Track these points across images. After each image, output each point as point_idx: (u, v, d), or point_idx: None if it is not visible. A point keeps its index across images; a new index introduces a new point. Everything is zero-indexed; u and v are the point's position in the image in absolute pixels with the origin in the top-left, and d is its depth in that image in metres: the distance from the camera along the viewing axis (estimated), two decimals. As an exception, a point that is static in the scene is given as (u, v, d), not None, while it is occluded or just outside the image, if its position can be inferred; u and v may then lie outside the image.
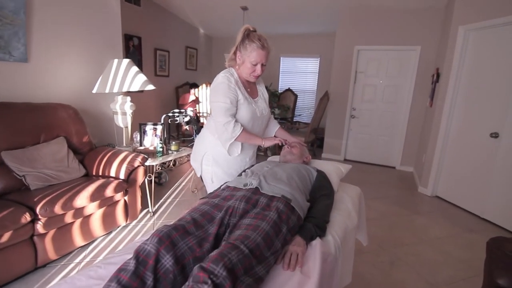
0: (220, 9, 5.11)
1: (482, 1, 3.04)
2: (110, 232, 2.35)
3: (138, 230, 2.43)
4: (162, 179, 3.54)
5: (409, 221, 2.88)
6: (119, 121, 2.78)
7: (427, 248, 2.37)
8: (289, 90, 6.30)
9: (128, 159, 2.36)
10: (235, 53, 1.50)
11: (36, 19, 2.36)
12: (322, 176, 1.47)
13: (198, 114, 5.58)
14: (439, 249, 2.37)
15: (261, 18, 5.28)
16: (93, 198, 2.01)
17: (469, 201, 3.17)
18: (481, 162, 3.04)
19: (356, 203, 1.57)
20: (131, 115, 2.80)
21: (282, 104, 5.89)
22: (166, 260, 0.82)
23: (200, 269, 0.73)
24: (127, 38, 4.68)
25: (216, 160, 1.62)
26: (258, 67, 1.47)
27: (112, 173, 2.33)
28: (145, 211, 2.74)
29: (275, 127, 1.85)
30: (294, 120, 6.27)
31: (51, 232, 1.85)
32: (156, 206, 2.89)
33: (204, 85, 5.36)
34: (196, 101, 5.59)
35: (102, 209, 2.16)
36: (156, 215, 2.72)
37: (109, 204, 2.21)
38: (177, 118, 3.36)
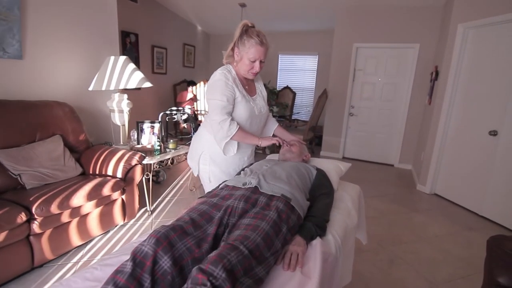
0: (218, 6, 5.07)
1: (482, -1, 3.04)
2: (108, 232, 2.33)
3: (136, 229, 2.41)
4: (160, 178, 3.51)
5: (408, 219, 2.88)
6: (116, 119, 2.75)
7: (426, 246, 2.37)
8: (287, 87, 6.28)
9: (125, 158, 2.34)
10: (232, 49, 1.46)
11: (30, 15, 2.32)
12: (321, 175, 1.46)
13: (196, 112, 5.55)
14: (438, 247, 2.37)
15: (259, 15, 5.24)
16: (90, 197, 1.99)
17: (468, 198, 3.17)
18: (480, 160, 3.04)
19: (356, 202, 1.56)
20: (128, 113, 2.77)
21: (280, 102, 5.88)
22: (164, 262, 0.80)
23: (198, 271, 0.71)
24: (124, 35, 4.63)
25: (214, 159, 1.59)
26: (257, 64, 1.44)
27: (109, 172, 2.31)
28: (143, 210, 2.72)
29: (273, 125, 1.82)
30: (293, 118, 6.25)
31: (48, 232, 1.83)
32: (154, 205, 2.87)
33: (202, 83, 5.33)
34: (194, 98, 5.56)
35: (99, 208, 2.14)
36: (154, 214, 2.70)
37: (106, 203, 2.18)
38: (175, 116, 3.33)
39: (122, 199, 2.34)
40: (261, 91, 1.69)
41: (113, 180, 2.18)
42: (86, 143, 2.57)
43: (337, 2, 4.47)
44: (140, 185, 2.58)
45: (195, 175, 1.72)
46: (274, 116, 4.77)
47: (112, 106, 2.72)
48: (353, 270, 1.54)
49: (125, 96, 2.75)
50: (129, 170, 2.33)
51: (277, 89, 6.34)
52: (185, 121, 3.44)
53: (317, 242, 1.03)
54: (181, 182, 3.55)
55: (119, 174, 2.28)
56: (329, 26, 5.39)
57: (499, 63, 2.88)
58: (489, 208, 2.94)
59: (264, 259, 0.86)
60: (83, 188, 1.99)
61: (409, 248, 2.33)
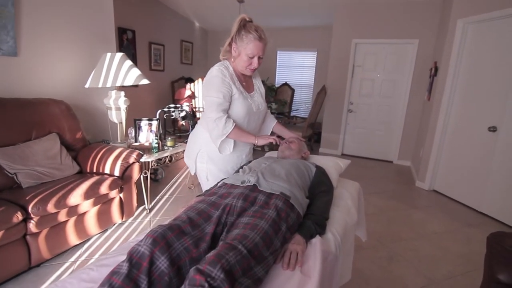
0: (216, 2, 5.02)
1: (481, -6, 3.01)
2: (106, 230, 2.31)
3: (135, 228, 2.40)
4: (158, 176, 3.50)
5: (407, 215, 2.88)
6: (113, 116, 2.72)
7: (425, 243, 2.37)
8: (286, 84, 6.25)
9: (123, 156, 2.32)
10: (230, 44, 1.43)
11: (25, 12, 2.28)
12: (321, 172, 1.44)
13: (194, 109, 5.52)
14: (437, 244, 2.37)
15: (257, 11, 5.20)
16: (87, 195, 1.97)
17: (467, 195, 3.17)
18: (479, 156, 3.03)
19: (356, 199, 1.55)
20: (125, 110, 2.74)
21: (279, 98, 5.85)
22: (161, 262, 0.78)
23: (196, 272, 0.70)
24: (121, 31, 4.59)
25: (211, 157, 1.57)
26: (255, 59, 1.41)
27: (107, 170, 2.29)
28: (141, 208, 2.70)
29: (272, 122, 1.80)
30: (291, 115, 6.23)
31: (45, 231, 1.81)
32: (153, 203, 2.86)
33: (200, 80, 5.30)
34: (192, 96, 5.53)
35: (96, 207, 2.12)
36: (152, 212, 2.68)
37: (104, 202, 2.17)
38: (173, 113, 3.31)
39: (120, 198, 2.32)
40: (259, 87, 1.66)
41: (111, 179, 2.16)
42: (83, 141, 2.54)
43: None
44: (138, 183, 2.56)
45: (192, 173, 1.69)
46: (272, 113, 4.76)
47: (109, 103, 2.69)
48: (353, 267, 1.53)
49: (122, 93, 2.72)
50: (126, 168, 2.31)
51: (276, 85, 6.31)
52: (183, 118, 3.42)
53: (316, 240, 1.02)
54: (179, 180, 3.53)
55: (117, 173, 2.26)
56: (328, 22, 5.36)
57: (499, 58, 2.86)
58: (488, 204, 2.94)
59: (263, 258, 0.84)
60: (80, 186, 1.97)
61: (409, 245, 2.32)
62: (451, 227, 2.68)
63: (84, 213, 2.04)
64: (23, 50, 2.31)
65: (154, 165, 2.64)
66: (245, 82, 1.56)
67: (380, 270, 2.00)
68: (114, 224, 2.38)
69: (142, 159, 2.47)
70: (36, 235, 1.77)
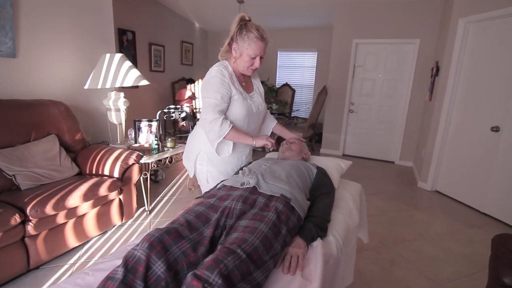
0: (216, 2, 5.01)
1: (483, -8, 2.99)
2: (105, 232, 2.30)
3: (134, 229, 2.38)
4: (159, 177, 3.48)
5: (409, 216, 2.85)
6: (113, 117, 2.71)
7: (427, 244, 2.34)
8: (286, 85, 6.23)
9: (122, 157, 2.30)
10: (229, 44, 1.40)
11: (23, 13, 2.27)
12: (322, 173, 1.42)
13: (194, 110, 5.51)
14: (440, 245, 2.34)
15: (257, 11, 5.18)
16: (86, 197, 1.95)
17: (469, 195, 3.14)
18: (482, 156, 3.01)
19: (357, 201, 1.53)
20: (125, 111, 2.73)
21: (279, 99, 5.83)
22: (157, 267, 0.76)
23: (193, 277, 0.68)
24: (121, 32, 4.58)
25: (211, 159, 1.54)
26: (257, 60, 1.38)
27: (106, 172, 2.27)
28: (141, 209, 2.69)
29: (272, 122, 1.78)
30: (292, 115, 6.21)
31: (43, 233, 1.80)
32: (153, 204, 2.84)
33: (200, 80, 5.28)
34: (193, 96, 5.52)
35: (96, 209, 2.10)
36: (152, 214, 2.67)
37: (103, 204, 2.15)
38: (173, 114, 3.29)
39: (120, 199, 2.30)
40: (258, 87, 1.64)
41: (110, 180, 2.14)
42: (83, 143, 2.53)
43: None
44: (138, 184, 2.54)
45: (191, 176, 1.67)
46: (273, 114, 4.73)
47: (109, 104, 2.68)
48: (355, 269, 1.51)
49: (122, 94, 2.70)
50: (126, 170, 2.29)
51: (276, 86, 6.29)
52: (183, 119, 3.40)
53: (318, 243, 1.00)
54: (180, 181, 3.52)
55: (116, 174, 2.25)
56: (328, 22, 5.33)
57: (501, 57, 2.84)
58: (491, 205, 2.91)
59: (263, 263, 0.82)
60: (79, 188, 1.95)
61: (411, 246, 2.30)
62: (454, 228, 2.65)
63: (83, 215, 2.03)
64: (22, 51, 2.30)
65: (154, 166, 2.62)
66: (245, 82, 1.54)
67: (382, 272, 1.97)
68: (113, 226, 2.36)
69: (142, 161, 2.46)
70: (34, 237, 1.76)
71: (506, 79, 2.78)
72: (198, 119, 5.75)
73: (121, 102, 2.67)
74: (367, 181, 3.77)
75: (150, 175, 3.35)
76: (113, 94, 2.66)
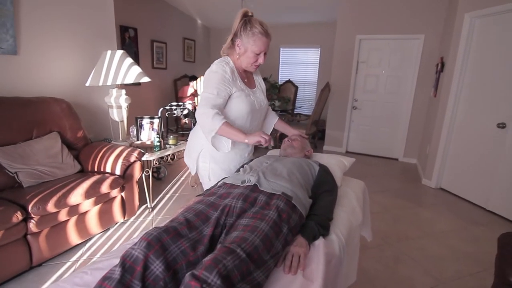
0: (218, -2, 4.98)
1: (490, -14, 2.92)
2: (108, 229, 2.30)
3: (137, 227, 2.38)
4: (161, 174, 3.48)
5: (413, 214, 2.82)
6: (115, 115, 2.70)
7: (432, 242, 2.32)
8: (289, 81, 6.19)
9: (124, 154, 2.29)
10: (232, 40, 1.38)
11: (24, 10, 2.26)
12: (324, 171, 1.40)
13: (196, 107, 5.49)
14: (444, 243, 2.31)
15: (260, 7, 5.14)
16: (88, 195, 1.95)
17: (475, 193, 3.10)
18: (487, 153, 2.96)
19: (361, 198, 1.50)
20: (126, 108, 2.71)
21: (282, 96, 5.79)
22: (155, 267, 0.75)
23: (192, 277, 0.66)
24: (123, 29, 4.57)
25: (214, 156, 1.52)
26: (261, 56, 1.37)
27: (108, 169, 2.27)
28: (143, 206, 2.69)
29: (274, 119, 1.76)
30: (295, 112, 6.17)
31: (45, 231, 1.80)
32: (155, 202, 2.84)
33: (202, 78, 5.26)
34: (195, 93, 5.50)
35: (98, 206, 2.10)
36: (155, 211, 2.66)
37: (105, 201, 2.15)
38: (175, 112, 3.28)
39: (122, 197, 2.30)
40: (260, 84, 1.62)
41: (112, 177, 2.14)
42: (85, 140, 2.53)
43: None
44: (140, 182, 2.54)
45: (193, 173, 1.65)
46: (276, 111, 4.70)
47: (110, 101, 2.67)
48: (358, 267, 1.49)
49: (123, 91, 2.69)
50: (128, 167, 2.29)
51: (279, 83, 6.25)
52: (185, 116, 3.39)
53: (320, 242, 0.98)
54: (182, 178, 3.51)
55: (118, 171, 2.24)
56: (331, 18, 5.28)
57: (507, 53, 2.78)
58: (496, 202, 2.86)
59: (263, 262, 0.81)
60: (80, 186, 1.95)
61: (415, 244, 2.27)
62: (459, 226, 2.62)
63: (85, 212, 2.03)
64: (23, 49, 2.29)
65: (156, 163, 2.61)
66: (247, 78, 1.52)
67: (386, 270, 1.95)
68: (116, 223, 2.36)
69: (144, 158, 2.45)
70: (36, 234, 1.76)
71: (513, 75, 2.73)
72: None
73: (123, 99, 2.66)
74: (370, 178, 3.74)
75: (153, 172, 3.35)
76: (114, 91, 2.65)
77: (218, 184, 1.24)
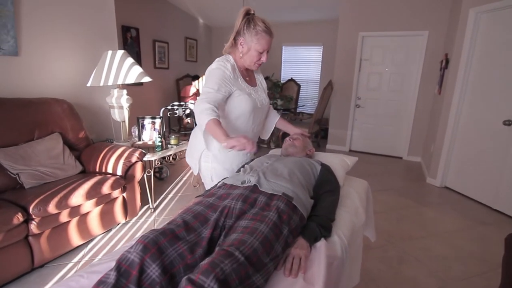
0: (219, -3, 4.96)
1: (495, -20, 2.87)
2: (110, 230, 2.30)
3: (139, 227, 2.37)
4: (163, 174, 3.47)
5: (418, 213, 2.78)
6: (116, 115, 2.70)
7: (437, 242, 2.28)
8: (291, 80, 6.16)
9: (125, 155, 2.29)
10: (234, 39, 1.37)
11: (25, 10, 2.26)
12: (326, 170, 1.37)
13: (199, 106, 5.48)
14: (450, 243, 2.27)
15: (261, 6, 5.11)
16: (89, 196, 1.94)
17: (481, 191, 3.05)
18: (493, 151, 2.91)
19: (364, 198, 1.48)
20: (128, 108, 2.71)
21: (284, 94, 5.75)
22: (152, 270, 0.73)
23: (188, 282, 0.64)
24: (125, 29, 4.56)
25: (216, 155, 1.50)
26: (264, 54, 1.37)
27: (109, 170, 2.26)
28: (145, 207, 2.68)
29: (275, 117, 1.74)
30: (298, 111, 6.14)
31: (47, 232, 1.79)
32: (157, 202, 2.83)
33: (204, 77, 5.25)
34: (198, 93, 5.49)
35: (99, 207, 2.10)
36: (157, 211, 2.66)
37: (107, 202, 2.14)
38: (176, 111, 3.27)
39: (123, 197, 2.30)
40: (261, 82, 1.61)
41: (113, 178, 2.13)
42: (86, 141, 2.52)
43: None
44: (142, 182, 2.53)
45: (195, 173, 1.64)
46: (278, 110, 4.66)
47: (112, 102, 2.66)
48: (361, 268, 1.47)
49: (124, 91, 2.68)
50: (129, 168, 2.28)
51: (281, 81, 6.22)
52: (187, 116, 3.38)
53: (321, 244, 0.96)
54: (184, 178, 3.50)
55: (119, 172, 2.24)
56: (334, 15, 5.23)
57: (514, 48, 2.73)
58: (503, 201, 2.81)
59: (263, 265, 0.78)
60: (82, 186, 1.94)
61: (420, 244, 2.24)
62: (464, 225, 2.57)
63: (87, 213, 2.02)
64: (24, 50, 2.29)
65: (157, 163, 2.60)
66: (248, 77, 1.51)
67: (390, 271, 1.93)
68: (118, 224, 2.36)
69: (145, 158, 2.44)
70: (38, 236, 1.76)
71: (519, 71, 2.68)
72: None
73: (124, 100, 2.66)
74: (374, 177, 3.70)
75: (155, 172, 3.35)
76: (115, 92, 2.65)
77: (218, 184, 1.22)
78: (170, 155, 2.72)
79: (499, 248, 2.20)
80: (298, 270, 0.84)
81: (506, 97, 2.79)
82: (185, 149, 2.85)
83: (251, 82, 1.52)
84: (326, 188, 1.26)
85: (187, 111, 3.43)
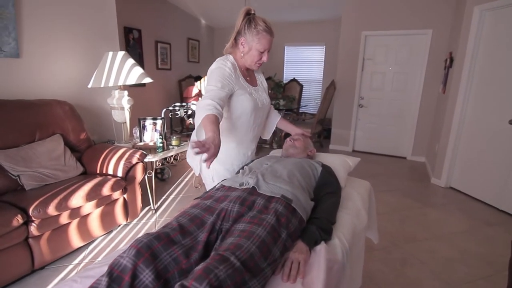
0: (221, -3, 4.94)
1: (501, -23, 2.82)
2: (111, 232, 2.29)
3: (140, 229, 2.36)
4: (165, 175, 3.47)
5: (422, 214, 2.74)
6: (117, 116, 2.69)
7: (441, 244, 2.24)
8: (294, 80, 6.13)
9: (126, 156, 2.28)
10: (235, 39, 1.37)
11: (26, 12, 2.27)
12: (327, 171, 1.35)
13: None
14: (455, 245, 2.23)
15: (263, 6, 5.09)
16: (89, 197, 1.93)
17: (486, 192, 3.00)
18: (499, 150, 2.86)
19: (366, 200, 1.45)
20: (129, 109, 2.70)
21: (287, 95, 5.73)
22: (145, 276, 0.71)
23: (181, 288, 0.63)
24: (127, 31, 4.57)
25: (217, 156, 1.49)
26: (265, 54, 1.36)
27: (110, 171, 2.25)
28: (147, 208, 2.67)
29: (276, 117, 1.72)
30: (300, 111, 6.11)
31: (47, 234, 1.79)
32: (159, 203, 2.82)
33: (205, 78, 5.24)
34: (200, 93, 5.49)
35: (100, 209, 2.09)
36: (158, 212, 2.65)
37: (107, 203, 2.13)
38: (178, 112, 3.26)
39: (124, 199, 2.29)
40: (262, 82, 1.59)
41: (113, 180, 2.12)
42: (88, 142, 2.52)
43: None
44: (143, 183, 2.52)
45: (197, 174, 1.63)
46: (281, 110, 4.63)
47: (113, 103, 2.66)
48: (364, 270, 1.44)
49: (125, 92, 2.68)
50: (130, 169, 2.27)
51: (284, 81, 6.19)
52: (189, 116, 3.37)
53: (321, 247, 0.93)
54: (186, 179, 3.49)
55: (120, 173, 2.23)
56: (336, 14, 5.20)
57: (520, 46, 2.68)
58: (509, 201, 2.76)
59: (260, 270, 0.76)
60: (82, 188, 1.94)
61: (424, 246, 2.20)
62: (470, 227, 2.53)
63: (87, 215, 2.02)
64: (25, 52, 2.30)
65: (159, 164, 2.59)
66: (249, 77, 1.50)
67: (393, 273, 1.89)
68: (118, 226, 2.35)
69: (146, 159, 2.43)
70: (38, 238, 1.75)
71: (526, 69, 2.63)
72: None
73: (125, 101, 2.65)
74: (377, 178, 3.66)
75: (157, 173, 3.34)
76: (116, 93, 2.64)
77: (216, 186, 1.20)
78: (172, 156, 2.71)
79: (505, 250, 2.16)
80: (296, 275, 0.82)
81: (512, 96, 2.74)
82: (186, 150, 2.84)
83: (252, 82, 1.51)
84: (327, 189, 1.24)
85: (189, 112, 3.42)
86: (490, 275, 1.88)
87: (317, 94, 6.46)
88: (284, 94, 5.69)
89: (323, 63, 6.23)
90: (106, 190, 2.04)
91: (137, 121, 2.82)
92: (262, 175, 1.13)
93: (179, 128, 5.79)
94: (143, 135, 2.84)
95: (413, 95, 4.40)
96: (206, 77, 1.43)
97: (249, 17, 1.32)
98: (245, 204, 0.97)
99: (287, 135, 1.74)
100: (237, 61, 1.42)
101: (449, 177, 3.42)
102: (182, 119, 5.57)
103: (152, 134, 2.85)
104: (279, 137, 4.82)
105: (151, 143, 2.78)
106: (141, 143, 2.78)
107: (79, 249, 2.06)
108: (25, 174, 1.97)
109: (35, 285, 1.73)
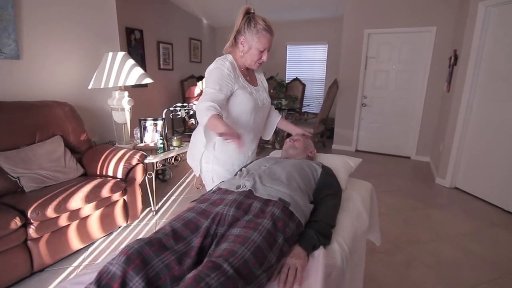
0: (222, -3, 4.92)
1: (506, -27, 2.76)
2: (111, 233, 2.28)
3: (140, 230, 2.35)
4: (166, 176, 3.46)
5: (426, 215, 2.69)
6: (118, 117, 2.68)
7: (446, 246, 2.20)
8: (296, 79, 6.09)
9: (126, 157, 2.27)
10: (235, 38, 1.36)
11: (25, 13, 2.26)
12: (327, 173, 1.32)
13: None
14: (459, 247, 2.19)
15: (265, 5, 5.06)
16: (88, 199, 1.92)
17: (492, 192, 2.94)
18: (506, 150, 2.80)
19: (367, 202, 1.41)
20: (129, 110, 2.69)
21: (289, 94, 5.69)
22: (135, 283, 0.69)
23: (170, 298, 0.60)
24: (129, 31, 4.57)
25: (217, 157, 1.47)
26: (265, 53, 1.35)
27: (110, 172, 2.24)
28: (147, 209, 2.66)
29: (276, 117, 1.69)
30: (303, 111, 6.06)
31: (46, 236, 1.78)
32: (159, 204, 2.81)
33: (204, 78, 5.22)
34: (201, 94, 5.48)
35: (99, 210, 2.08)
36: (159, 214, 2.63)
37: (107, 205, 2.12)
38: (179, 112, 3.24)
39: (124, 200, 2.27)
40: (262, 82, 1.57)
41: (113, 181, 2.11)
42: (88, 143, 2.52)
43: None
44: (144, 184, 2.51)
45: (197, 175, 1.61)
46: (283, 109, 4.60)
47: (113, 104, 2.65)
48: (365, 272, 1.41)
49: (126, 93, 2.67)
50: (130, 170, 2.26)
51: (286, 81, 6.15)
52: (190, 117, 3.35)
53: (320, 252, 0.90)
54: (188, 180, 3.48)
55: (120, 175, 2.22)
56: (339, 12, 5.14)
57: (527, 43, 2.62)
58: (516, 202, 2.71)
59: (254, 277, 0.73)
60: (81, 190, 1.93)
61: (428, 248, 2.16)
62: (475, 228, 2.48)
63: (87, 216, 2.01)
64: (25, 53, 2.30)
65: (160, 165, 2.58)
66: (249, 76, 1.48)
67: (396, 276, 1.85)
68: (119, 227, 2.34)
69: (147, 160, 2.42)
70: (37, 240, 1.74)
71: (532, 67, 2.57)
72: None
73: (125, 101, 2.64)
74: (380, 178, 3.61)
75: (158, 174, 3.33)
76: (117, 94, 2.64)
77: (213, 189, 1.18)
78: (172, 157, 2.69)
79: (511, 252, 2.11)
80: (293, 282, 0.79)
81: (519, 94, 2.68)
82: (187, 151, 2.83)
83: (252, 81, 1.49)
84: (327, 192, 1.21)
85: (191, 112, 3.40)
86: (496, 278, 1.84)
87: (319, 93, 6.41)
88: (287, 94, 5.66)
89: (325, 62, 6.18)
90: (105, 192, 2.02)
91: (138, 122, 2.81)
92: (260, 178, 1.10)
93: (181, 128, 5.79)
94: (144, 136, 2.83)
95: (417, 93, 4.34)
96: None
97: (249, 16, 1.31)
98: (241, 207, 0.94)
99: (290, 135, 1.72)
100: (236, 60, 1.40)
101: (454, 177, 3.37)
102: (184, 120, 5.57)
103: (152, 135, 2.84)
104: (282, 137, 4.79)
105: (152, 144, 2.77)
106: (142, 144, 2.77)
107: (79, 251, 2.05)
108: (25, 176, 1.96)
109: (34, 287, 1.72)
